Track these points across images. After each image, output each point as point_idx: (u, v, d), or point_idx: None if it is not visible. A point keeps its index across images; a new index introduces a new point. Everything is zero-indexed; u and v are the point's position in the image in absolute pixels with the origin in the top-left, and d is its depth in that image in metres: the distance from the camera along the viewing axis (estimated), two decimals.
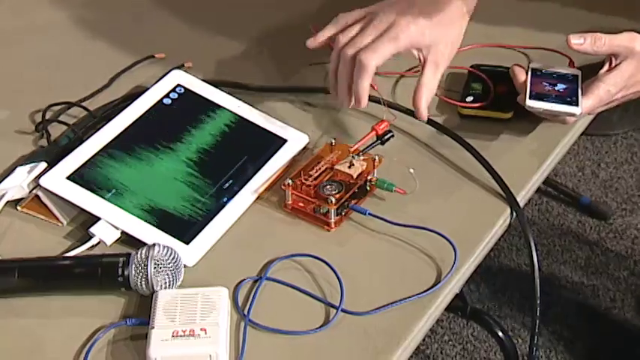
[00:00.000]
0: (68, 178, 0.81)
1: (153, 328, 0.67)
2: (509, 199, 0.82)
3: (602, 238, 1.82)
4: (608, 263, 1.76)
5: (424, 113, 0.86)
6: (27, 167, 0.84)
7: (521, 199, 0.84)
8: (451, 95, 0.95)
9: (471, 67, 0.98)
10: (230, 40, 1.08)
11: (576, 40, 0.86)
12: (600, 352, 1.60)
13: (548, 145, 0.90)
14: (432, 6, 0.86)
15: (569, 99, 0.88)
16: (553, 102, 0.88)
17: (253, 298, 0.72)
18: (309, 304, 0.73)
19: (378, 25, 0.84)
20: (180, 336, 0.66)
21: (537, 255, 0.78)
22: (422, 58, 0.86)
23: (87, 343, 0.69)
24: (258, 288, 0.73)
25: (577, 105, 0.87)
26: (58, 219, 0.81)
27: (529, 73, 0.92)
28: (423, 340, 0.73)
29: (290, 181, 0.81)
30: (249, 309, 0.72)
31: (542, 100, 0.88)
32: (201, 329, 0.67)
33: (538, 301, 0.78)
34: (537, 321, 0.79)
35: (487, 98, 0.93)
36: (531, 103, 0.88)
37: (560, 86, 0.90)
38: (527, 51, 1.02)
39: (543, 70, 0.93)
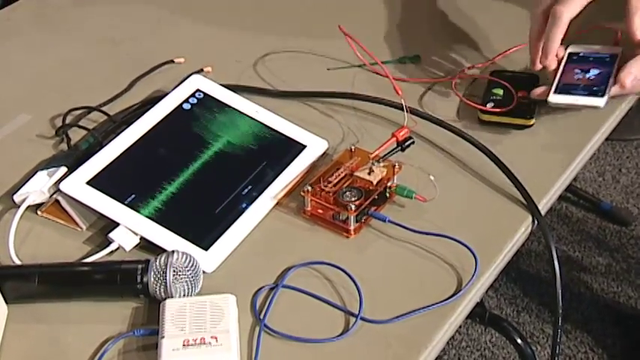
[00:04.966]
0: (88, 183, 0.81)
1: (163, 337, 0.67)
2: (531, 206, 0.81)
3: (624, 244, 1.80)
4: (629, 270, 1.74)
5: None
6: (47, 172, 0.84)
7: (543, 206, 0.83)
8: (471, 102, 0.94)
9: (491, 73, 0.97)
10: (249, 45, 1.08)
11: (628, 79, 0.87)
12: (621, 359, 1.59)
13: (571, 152, 0.89)
14: None
15: (596, 88, 0.87)
16: (578, 95, 0.87)
17: (269, 305, 0.72)
18: (327, 312, 0.73)
19: None
20: (192, 345, 0.66)
21: (559, 264, 0.77)
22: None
23: (99, 351, 0.69)
24: (275, 295, 0.73)
25: (602, 95, 0.86)
26: (77, 224, 0.81)
27: (564, 58, 0.91)
28: None
29: (309, 188, 0.81)
30: (265, 316, 0.71)
31: (568, 93, 0.88)
32: (211, 337, 0.67)
33: (560, 310, 0.77)
34: (560, 331, 0.78)
35: (508, 104, 0.92)
36: (554, 99, 0.88)
37: (593, 72, 0.88)
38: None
39: (580, 54, 0.92)
